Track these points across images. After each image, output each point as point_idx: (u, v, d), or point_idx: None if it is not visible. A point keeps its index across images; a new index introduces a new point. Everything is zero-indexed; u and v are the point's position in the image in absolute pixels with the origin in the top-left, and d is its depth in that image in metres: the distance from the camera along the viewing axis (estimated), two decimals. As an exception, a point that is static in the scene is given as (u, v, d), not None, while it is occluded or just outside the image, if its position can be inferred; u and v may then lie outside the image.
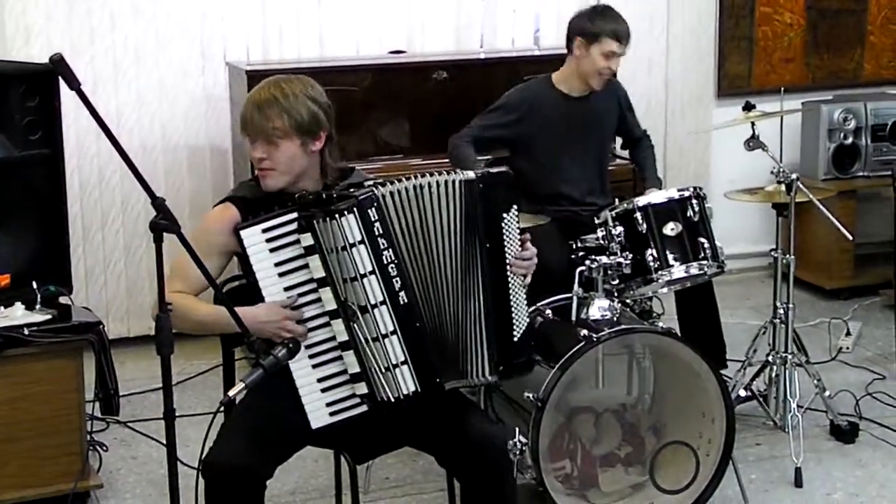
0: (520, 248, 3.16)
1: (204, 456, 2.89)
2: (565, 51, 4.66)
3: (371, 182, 3.12)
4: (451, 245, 3.04)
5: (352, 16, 5.62)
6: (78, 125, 5.08)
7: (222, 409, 2.78)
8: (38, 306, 3.94)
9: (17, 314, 3.88)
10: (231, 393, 2.70)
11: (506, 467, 3.08)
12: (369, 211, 2.94)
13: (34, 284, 3.98)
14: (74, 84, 2.52)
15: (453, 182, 3.04)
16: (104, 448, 4.30)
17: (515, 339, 3.12)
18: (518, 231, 3.16)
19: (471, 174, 3.07)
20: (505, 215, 3.10)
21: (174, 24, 5.39)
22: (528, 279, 3.19)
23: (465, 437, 3.05)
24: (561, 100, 4.65)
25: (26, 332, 3.80)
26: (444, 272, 3.05)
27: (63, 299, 4.05)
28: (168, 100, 5.43)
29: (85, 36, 5.26)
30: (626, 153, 5.24)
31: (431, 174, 3.05)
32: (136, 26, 5.34)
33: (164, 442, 2.72)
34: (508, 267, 3.11)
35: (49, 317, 3.90)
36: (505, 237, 3.10)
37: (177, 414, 2.73)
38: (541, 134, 4.58)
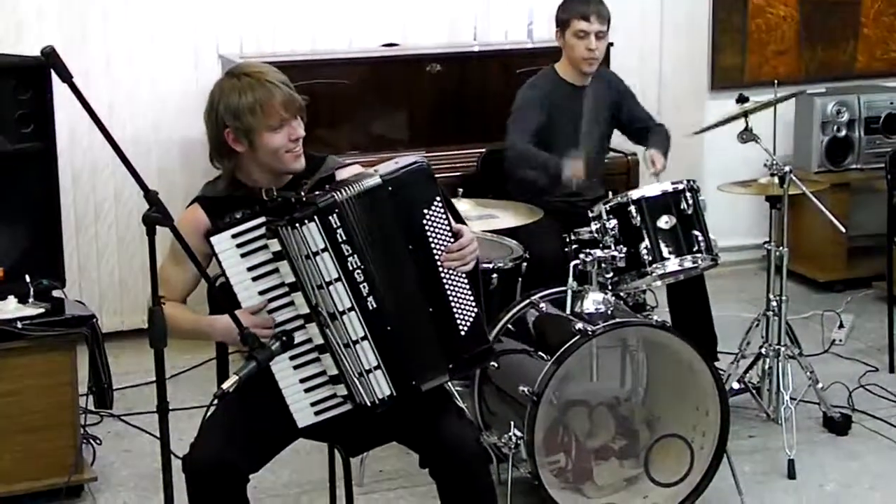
0: (452, 240, 3.02)
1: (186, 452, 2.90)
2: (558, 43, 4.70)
3: (343, 171, 3.07)
4: (392, 248, 2.96)
5: (345, 8, 5.61)
6: (70, 119, 5.05)
7: (216, 402, 2.78)
8: (31, 300, 3.94)
9: (10, 308, 3.88)
10: (225, 386, 2.70)
11: (479, 468, 3.03)
12: (330, 218, 2.86)
13: (27, 278, 3.97)
14: (66, 77, 2.51)
15: (363, 191, 2.92)
16: (98, 441, 4.30)
17: (462, 333, 3.02)
18: (447, 222, 3.01)
19: (376, 180, 2.93)
20: (426, 211, 2.97)
21: (166, 17, 5.37)
22: (469, 266, 3.04)
23: (435, 438, 3.01)
24: (567, 88, 4.69)
25: (19, 325, 3.80)
26: (399, 275, 2.97)
27: (56, 293, 4.05)
28: (160, 93, 5.42)
29: (77, 29, 5.25)
30: (619, 146, 5.24)
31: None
32: (128, 19, 5.32)
33: (158, 435, 2.71)
34: (440, 263, 3.00)
35: (42, 310, 3.89)
36: (430, 234, 2.98)
37: (171, 407, 2.72)
38: (556, 125, 4.60)
